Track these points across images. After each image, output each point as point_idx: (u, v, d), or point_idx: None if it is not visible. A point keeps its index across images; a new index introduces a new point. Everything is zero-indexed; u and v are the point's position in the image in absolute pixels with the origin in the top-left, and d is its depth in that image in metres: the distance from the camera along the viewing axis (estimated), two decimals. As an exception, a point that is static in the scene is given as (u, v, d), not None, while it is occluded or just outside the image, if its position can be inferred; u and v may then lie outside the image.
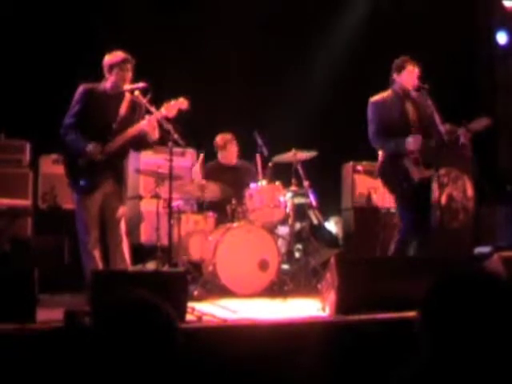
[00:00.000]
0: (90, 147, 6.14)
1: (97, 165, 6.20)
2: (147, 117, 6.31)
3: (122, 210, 6.40)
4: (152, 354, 1.99)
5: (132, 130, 6.31)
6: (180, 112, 6.40)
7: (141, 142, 6.47)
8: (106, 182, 6.28)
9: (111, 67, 6.32)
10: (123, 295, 2.11)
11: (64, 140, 6.27)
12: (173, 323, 2.08)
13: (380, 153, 6.85)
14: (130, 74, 6.35)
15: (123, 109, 6.40)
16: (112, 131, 6.29)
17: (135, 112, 6.43)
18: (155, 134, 6.35)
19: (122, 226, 6.39)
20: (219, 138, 8.39)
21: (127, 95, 6.41)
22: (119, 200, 6.38)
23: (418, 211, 6.59)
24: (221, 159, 8.43)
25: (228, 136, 8.37)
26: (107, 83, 6.38)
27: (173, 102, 6.36)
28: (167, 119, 6.33)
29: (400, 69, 6.70)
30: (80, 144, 6.18)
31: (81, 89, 6.34)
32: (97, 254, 6.21)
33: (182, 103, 6.38)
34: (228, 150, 8.36)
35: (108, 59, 6.36)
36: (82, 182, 6.20)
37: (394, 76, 6.74)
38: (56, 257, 7.57)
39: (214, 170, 8.27)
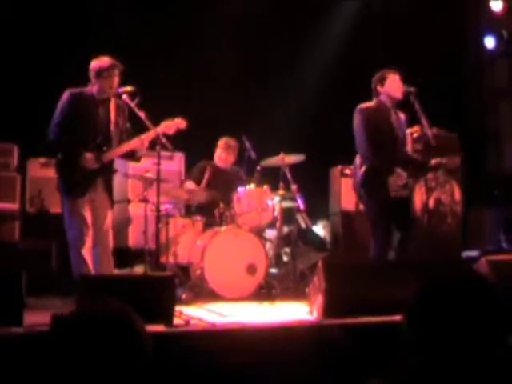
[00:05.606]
0: (87, 156, 6.15)
1: (89, 171, 6.20)
2: (143, 136, 6.31)
3: (110, 218, 6.41)
4: (110, 365, 1.89)
5: (128, 146, 6.33)
6: (178, 131, 6.44)
7: (130, 155, 6.53)
8: (96, 187, 6.27)
9: (98, 73, 6.25)
10: (88, 303, 2.05)
11: (56, 145, 6.24)
12: (137, 335, 1.96)
13: (358, 159, 6.73)
14: (117, 80, 6.31)
15: (113, 114, 6.39)
16: (110, 138, 6.31)
17: (121, 115, 6.44)
18: (144, 150, 6.43)
19: (110, 232, 6.40)
20: (224, 141, 8.37)
21: (112, 99, 6.40)
22: (108, 206, 6.38)
23: (392, 223, 6.58)
24: (217, 161, 8.40)
25: (232, 142, 8.33)
26: (94, 88, 6.33)
27: (172, 121, 6.42)
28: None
29: (382, 80, 6.65)
30: (76, 151, 6.16)
31: (67, 94, 6.28)
32: (89, 258, 6.17)
33: (180, 123, 6.46)
34: (227, 154, 8.33)
35: (95, 64, 6.30)
36: (74, 186, 6.17)
37: (378, 88, 6.70)
38: (44, 260, 7.55)
39: (206, 169, 8.27)
